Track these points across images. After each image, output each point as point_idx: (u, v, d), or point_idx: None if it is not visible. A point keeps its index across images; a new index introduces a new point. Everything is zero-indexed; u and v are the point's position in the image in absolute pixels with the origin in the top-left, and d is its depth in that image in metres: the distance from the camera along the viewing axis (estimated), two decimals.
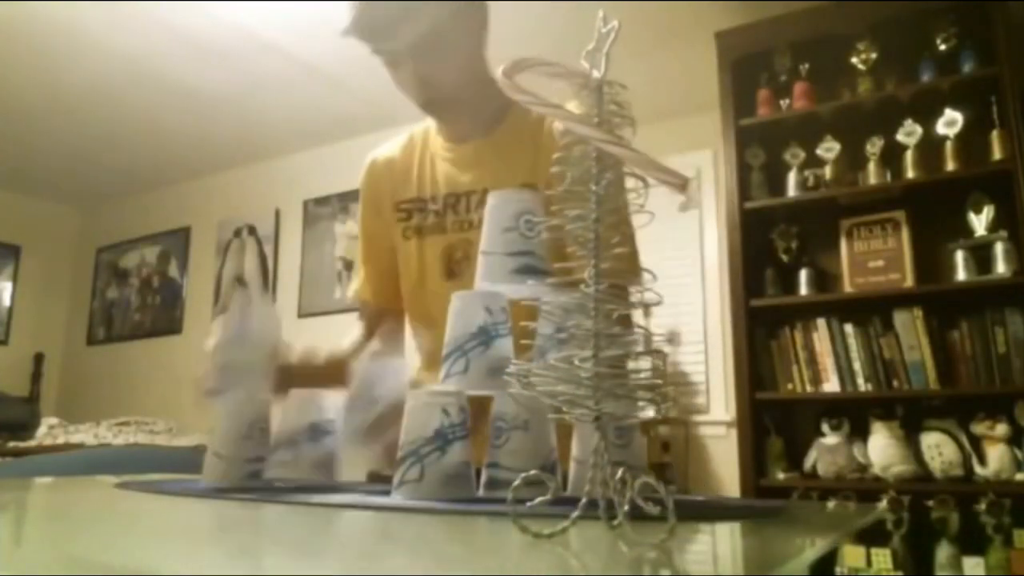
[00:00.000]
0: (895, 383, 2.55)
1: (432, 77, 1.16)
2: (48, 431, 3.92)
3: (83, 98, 3.77)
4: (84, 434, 3.85)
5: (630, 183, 0.57)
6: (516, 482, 0.50)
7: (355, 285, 1.37)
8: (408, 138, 1.34)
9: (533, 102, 0.55)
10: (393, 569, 0.44)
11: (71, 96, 3.75)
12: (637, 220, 0.65)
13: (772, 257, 2.87)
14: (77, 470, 1.35)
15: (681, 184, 0.50)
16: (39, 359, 5.15)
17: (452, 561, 0.48)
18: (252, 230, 4.53)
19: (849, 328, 2.65)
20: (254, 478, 0.89)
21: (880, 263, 2.67)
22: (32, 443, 3.75)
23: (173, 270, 4.92)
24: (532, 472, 0.52)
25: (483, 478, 0.78)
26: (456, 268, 1.19)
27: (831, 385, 2.65)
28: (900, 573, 2.39)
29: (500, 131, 1.22)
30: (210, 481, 0.88)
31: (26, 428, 4.11)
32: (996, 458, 2.36)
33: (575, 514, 0.50)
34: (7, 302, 5.11)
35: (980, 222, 2.55)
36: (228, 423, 0.90)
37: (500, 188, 1.13)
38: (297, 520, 0.66)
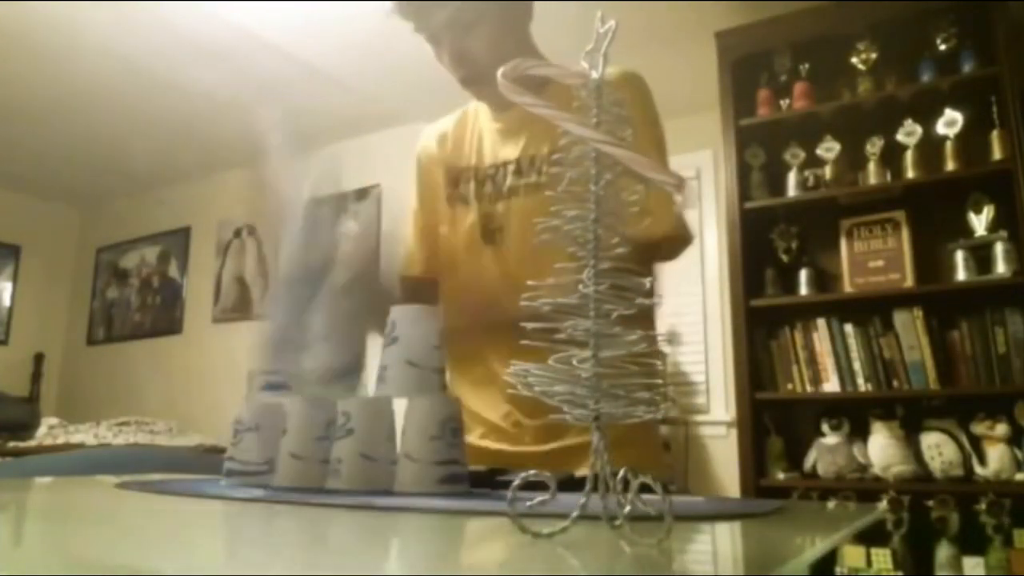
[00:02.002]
0: (895, 383, 2.55)
1: (468, 53, 1.17)
2: (48, 431, 3.92)
3: (83, 98, 3.77)
4: (84, 434, 3.85)
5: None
6: (516, 481, 0.50)
7: (405, 258, 1.38)
8: (463, 112, 1.34)
9: (532, 104, 0.56)
10: (390, 569, 0.44)
11: (71, 96, 3.75)
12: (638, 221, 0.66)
13: (772, 257, 2.87)
14: (77, 470, 1.35)
15: (677, 184, 0.50)
16: (39, 359, 5.15)
17: (449, 560, 0.48)
18: (252, 230, 4.53)
19: (849, 328, 2.65)
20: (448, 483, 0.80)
21: (880, 263, 2.67)
22: (32, 443, 3.75)
23: (173, 270, 4.92)
24: (533, 472, 0.52)
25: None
26: (492, 237, 1.21)
27: (831, 385, 2.65)
28: (900, 573, 2.39)
29: (543, 99, 1.22)
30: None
31: (26, 428, 4.10)
32: (996, 458, 2.36)
33: (575, 514, 0.50)
34: (7, 302, 5.11)
35: (980, 222, 2.55)
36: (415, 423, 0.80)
37: (532, 155, 1.18)
38: (298, 520, 0.66)
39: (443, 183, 1.31)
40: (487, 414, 1.19)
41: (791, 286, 2.77)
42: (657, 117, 1.20)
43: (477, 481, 0.84)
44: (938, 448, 2.44)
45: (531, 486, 0.51)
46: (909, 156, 2.62)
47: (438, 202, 1.31)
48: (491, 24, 1.18)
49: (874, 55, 2.73)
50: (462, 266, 1.26)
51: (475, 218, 1.23)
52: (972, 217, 2.56)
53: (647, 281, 0.54)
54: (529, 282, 0.58)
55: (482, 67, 1.19)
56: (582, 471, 1.09)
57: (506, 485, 0.90)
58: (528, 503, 0.52)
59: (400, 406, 0.83)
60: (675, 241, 1.18)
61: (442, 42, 1.18)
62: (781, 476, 2.65)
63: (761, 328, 2.77)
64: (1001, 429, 2.38)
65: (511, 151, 1.22)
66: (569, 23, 2.99)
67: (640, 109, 1.16)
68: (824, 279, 2.79)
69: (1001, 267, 2.43)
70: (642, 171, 0.52)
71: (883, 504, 2.42)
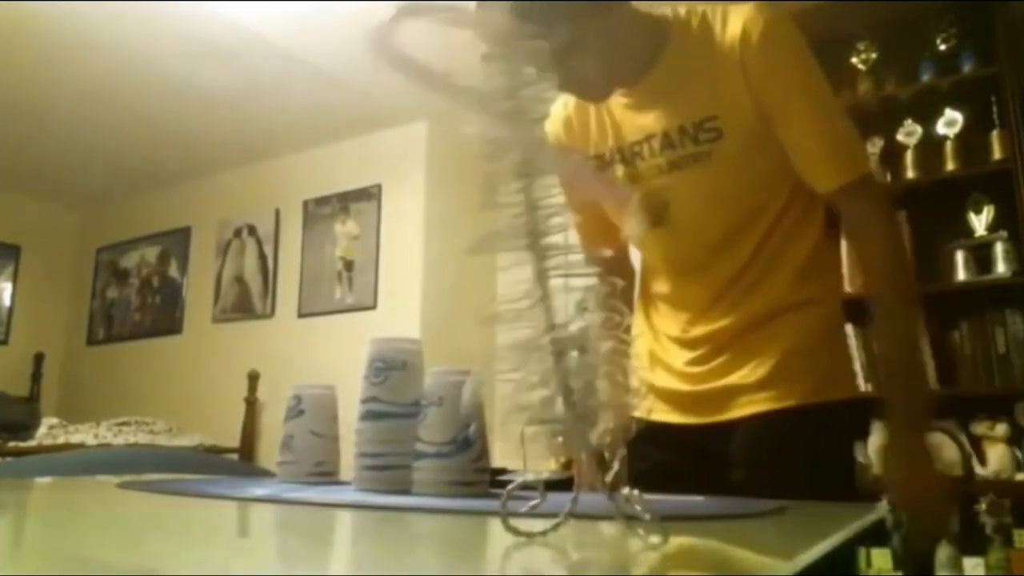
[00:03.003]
0: None
1: (579, 78, 1.10)
2: (48, 431, 3.92)
3: (83, 98, 3.77)
4: (84, 434, 3.85)
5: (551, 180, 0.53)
6: (512, 485, 0.50)
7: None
8: None
9: (410, 71, 0.50)
10: (388, 569, 0.44)
11: (71, 96, 3.75)
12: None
13: None
14: (77, 470, 1.35)
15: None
16: (39, 359, 5.15)
17: (444, 560, 0.48)
18: (252, 230, 4.53)
19: (849, 328, 2.65)
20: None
21: None
22: (32, 443, 3.74)
23: (173, 270, 4.92)
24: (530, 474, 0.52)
25: None
26: (658, 217, 1.15)
27: None
28: (900, 573, 2.39)
29: (665, 60, 1.13)
30: None
31: (26, 428, 4.10)
32: (996, 458, 2.36)
33: (565, 509, 0.50)
34: (7, 302, 5.11)
35: (980, 222, 2.54)
36: None
37: (680, 124, 1.10)
38: (299, 520, 0.66)
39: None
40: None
41: None
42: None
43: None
44: (938, 448, 2.44)
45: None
46: (909, 156, 2.62)
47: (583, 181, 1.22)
48: (599, 51, 1.09)
49: (874, 55, 2.73)
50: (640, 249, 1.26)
51: (636, 202, 1.17)
52: (972, 217, 2.56)
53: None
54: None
55: (595, 89, 1.14)
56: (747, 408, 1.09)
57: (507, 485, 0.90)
58: (527, 506, 0.52)
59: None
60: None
61: (557, 60, 1.07)
62: None
63: None
64: (1001, 429, 2.38)
65: (651, 121, 1.13)
66: None
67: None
68: None
69: (1001, 267, 2.43)
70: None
71: (883, 504, 2.42)
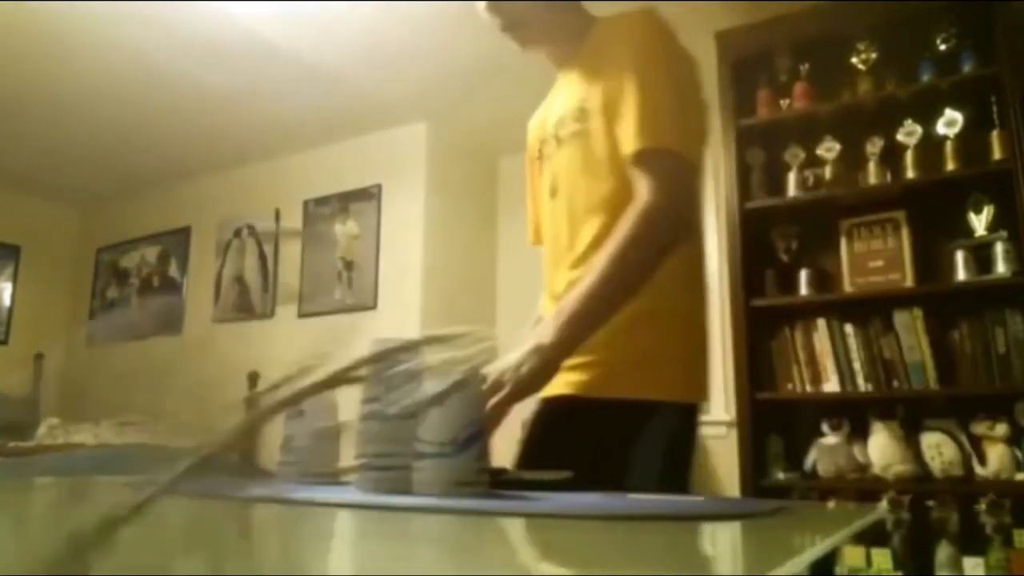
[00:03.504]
0: (895, 383, 2.55)
1: (516, 15, 1.23)
2: (48, 431, 3.92)
3: (83, 98, 3.77)
4: (84, 434, 3.85)
5: None
6: None
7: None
8: None
9: None
10: (388, 569, 0.44)
11: (71, 96, 3.75)
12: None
13: (772, 257, 2.86)
14: (77, 470, 1.35)
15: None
16: (39, 359, 5.15)
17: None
18: (252, 230, 4.53)
19: (849, 328, 2.65)
20: None
21: (880, 263, 2.67)
22: (32, 443, 3.74)
23: (173, 270, 4.92)
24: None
25: None
26: (553, 190, 1.27)
27: (831, 385, 2.64)
28: (900, 573, 2.39)
29: (582, 51, 1.26)
30: None
31: (26, 428, 4.10)
32: (996, 458, 2.36)
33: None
34: (7, 302, 5.11)
35: (980, 222, 2.54)
36: None
37: (570, 107, 1.23)
38: (299, 520, 0.66)
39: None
40: None
41: (791, 286, 2.77)
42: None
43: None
44: (938, 448, 2.44)
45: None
46: (909, 156, 2.62)
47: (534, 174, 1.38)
48: None
49: (874, 55, 2.73)
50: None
51: (547, 177, 1.30)
52: (972, 217, 2.56)
53: None
54: None
55: (517, 15, 1.24)
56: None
57: (507, 484, 0.90)
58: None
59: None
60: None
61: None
62: (781, 476, 2.65)
63: (761, 328, 2.77)
64: (1001, 429, 2.38)
65: (564, 106, 1.26)
66: None
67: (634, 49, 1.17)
68: (824, 279, 2.79)
69: (1001, 267, 2.43)
70: None
71: (883, 504, 2.42)
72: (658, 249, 1.09)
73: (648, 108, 1.11)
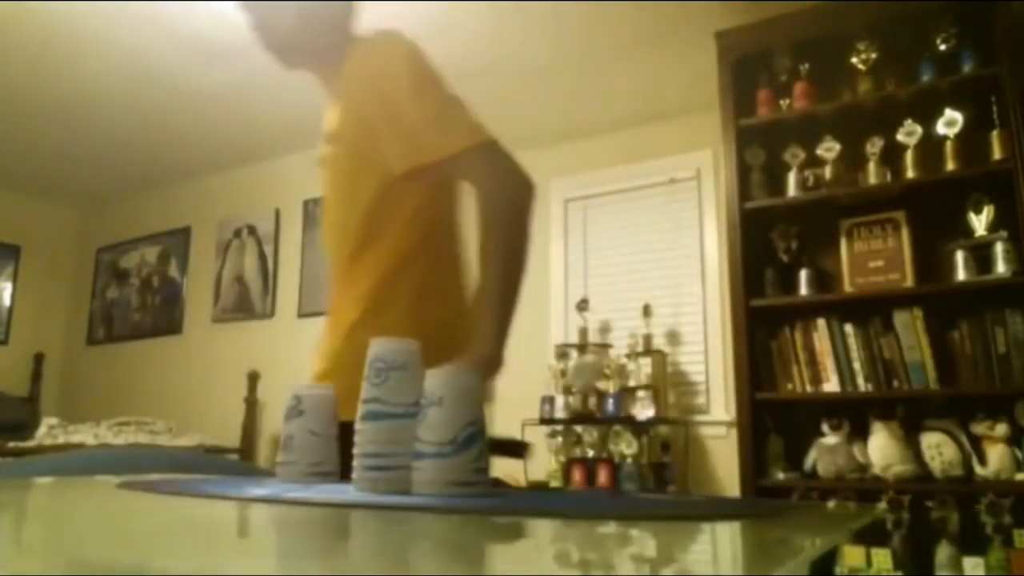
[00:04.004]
0: (895, 383, 2.55)
1: (263, 20, 1.25)
2: (48, 431, 3.92)
3: (83, 98, 3.77)
4: (84, 434, 3.85)
5: None
6: None
7: None
8: None
9: None
10: (388, 569, 0.44)
11: (71, 96, 3.75)
12: None
13: (772, 257, 2.86)
14: (77, 470, 1.35)
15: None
16: (39, 359, 5.15)
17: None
18: (252, 230, 4.53)
19: (849, 328, 2.65)
20: None
21: (880, 263, 2.67)
22: (32, 443, 3.75)
23: (173, 270, 4.92)
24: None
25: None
26: (324, 207, 1.32)
27: (831, 385, 2.65)
28: (900, 573, 2.39)
29: (342, 78, 1.29)
30: None
31: (26, 428, 4.11)
32: (996, 458, 2.36)
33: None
34: (7, 302, 5.11)
35: (980, 222, 2.54)
36: None
37: (328, 134, 1.27)
38: (299, 520, 0.66)
39: None
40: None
41: (791, 286, 2.77)
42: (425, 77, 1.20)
43: None
44: (938, 448, 2.44)
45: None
46: (909, 156, 2.62)
47: None
48: None
49: (874, 55, 2.73)
50: None
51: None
52: (972, 217, 2.56)
53: None
54: None
55: (281, 36, 1.26)
56: None
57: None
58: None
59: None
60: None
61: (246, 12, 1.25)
62: (781, 476, 2.65)
63: (761, 328, 2.77)
64: (1001, 429, 2.38)
65: (328, 126, 1.30)
66: (575, 25, 2.99)
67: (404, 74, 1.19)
68: (824, 279, 2.79)
69: (1001, 267, 2.43)
70: None
71: (883, 504, 2.42)
72: (525, 214, 1.16)
73: (449, 114, 1.17)
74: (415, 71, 1.19)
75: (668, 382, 3.41)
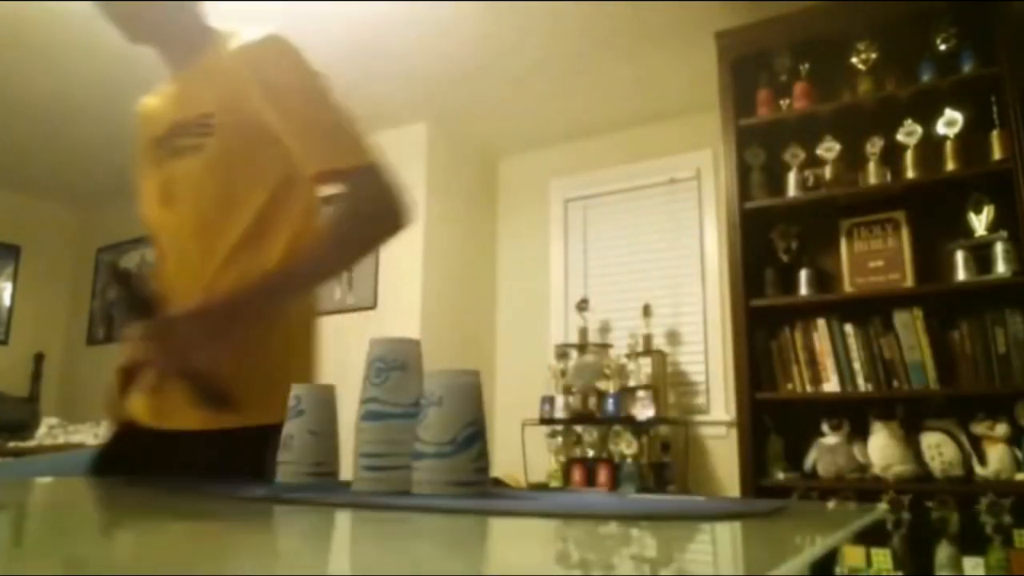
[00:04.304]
0: (895, 383, 2.55)
1: (123, 8, 1.22)
2: (48, 431, 3.92)
3: (83, 98, 3.77)
4: (84, 434, 3.85)
5: None
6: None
7: None
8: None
9: None
10: (388, 569, 0.44)
11: (71, 96, 3.75)
12: None
13: (772, 257, 2.87)
14: (77, 470, 1.35)
15: None
16: (39, 359, 5.15)
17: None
18: None
19: (849, 328, 2.65)
20: None
21: (880, 263, 2.67)
22: (32, 443, 3.75)
23: None
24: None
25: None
26: (170, 198, 1.23)
27: (831, 385, 2.65)
28: (900, 573, 2.39)
29: (198, 60, 1.27)
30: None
31: (26, 428, 4.11)
32: (996, 458, 2.36)
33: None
34: (7, 302, 5.11)
35: (980, 222, 2.55)
36: None
37: (187, 117, 1.21)
38: (299, 520, 0.66)
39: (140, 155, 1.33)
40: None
41: (791, 286, 2.77)
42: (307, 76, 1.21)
43: None
44: (938, 448, 2.44)
45: None
46: (909, 156, 2.62)
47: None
48: None
49: (874, 55, 2.73)
50: (152, 233, 1.30)
51: (153, 184, 1.26)
52: (972, 217, 2.56)
53: None
54: None
55: (130, 8, 1.23)
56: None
57: None
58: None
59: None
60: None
61: None
62: (781, 476, 2.65)
63: (761, 328, 2.77)
64: (1001, 429, 2.38)
65: (180, 112, 1.23)
66: (574, 25, 2.99)
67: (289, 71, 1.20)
68: (824, 279, 2.79)
69: (1001, 267, 2.43)
70: None
71: (883, 504, 2.42)
72: (378, 242, 1.19)
73: (337, 133, 1.19)
74: (315, 77, 1.21)
75: (668, 382, 3.41)
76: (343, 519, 0.68)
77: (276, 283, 1.13)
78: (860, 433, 2.59)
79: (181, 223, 1.21)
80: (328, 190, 1.19)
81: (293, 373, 1.16)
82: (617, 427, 3.29)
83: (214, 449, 1.12)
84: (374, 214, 1.17)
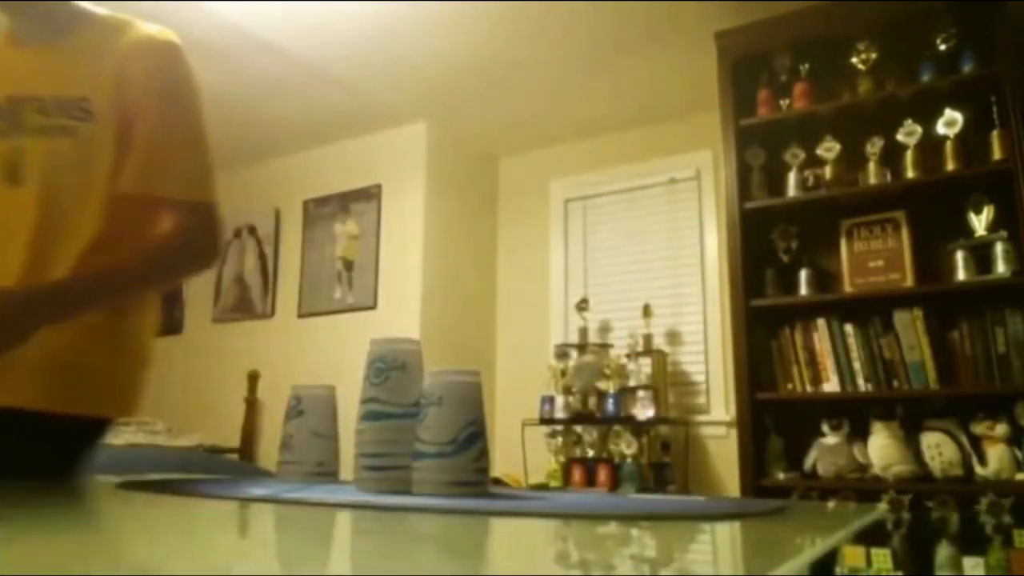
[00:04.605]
0: (895, 383, 2.55)
1: None
2: None
3: None
4: None
5: None
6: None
7: None
8: None
9: None
10: (388, 569, 0.44)
11: None
12: None
13: (772, 257, 2.87)
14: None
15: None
16: None
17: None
18: (252, 230, 4.53)
19: (849, 328, 2.65)
20: None
21: (880, 263, 2.67)
22: None
23: None
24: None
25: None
26: (18, 175, 1.15)
27: (831, 385, 2.65)
28: (900, 573, 2.39)
29: (70, 38, 1.22)
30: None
31: None
32: (996, 458, 2.37)
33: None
34: None
35: (980, 222, 2.55)
36: None
37: (58, 96, 1.16)
38: (299, 520, 0.66)
39: None
40: None
41: (791, 286, 2.77)
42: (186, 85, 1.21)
43: None
44: (938, 448, 2.44)
45: None
46: (909, 156, 2.62)
47: None
48: None
49: (874, 55, 2.73)
50: None
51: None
52: (972, 217, 2.56)
53: None
54: None
55: None
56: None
57: None
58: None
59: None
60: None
61: None
62: (781, 476, 2.65)
63: (761, 328, 2.77)
64: (1001, 429, 2.38)
65: (41, 86, 1.17)
66: (574, 25, 2.99)
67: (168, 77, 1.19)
68: (824, 279, 2.79)
69: (1001, 267, 2.43)
70: None
71: (883, 504, 2.42)
72: (184, 276, 1.21)
73: (193, 161, 1.22)
74: (196, 97, 1.22)
75: (668, 382, 3.41)
76: (343, 519, 0.68)
77: (80, 287, 1.09)
78: (860, 433, 2.60)
79: (25, 203, 1.13)
80: (148, 212, 1.18)
81: (102, 372, 1.15)
82: (617, 427, 3.29)
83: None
84: (198, 251, 1.20)
